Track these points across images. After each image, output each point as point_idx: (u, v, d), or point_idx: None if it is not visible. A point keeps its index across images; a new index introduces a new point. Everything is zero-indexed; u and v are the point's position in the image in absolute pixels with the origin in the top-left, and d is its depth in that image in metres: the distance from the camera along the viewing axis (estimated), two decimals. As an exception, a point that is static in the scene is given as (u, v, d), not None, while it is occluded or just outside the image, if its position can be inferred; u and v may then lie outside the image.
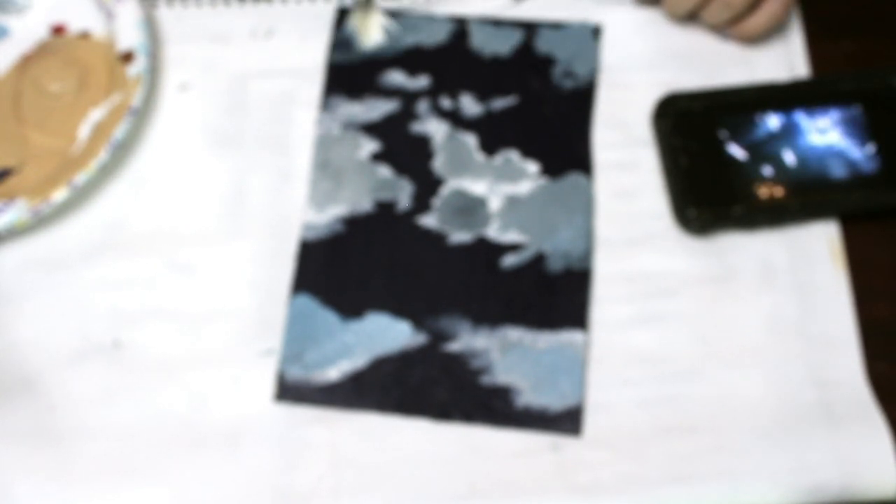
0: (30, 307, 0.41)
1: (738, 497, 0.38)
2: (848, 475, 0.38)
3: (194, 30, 0.47)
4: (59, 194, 0.41)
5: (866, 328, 0.41)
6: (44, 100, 0.45)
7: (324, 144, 0.44)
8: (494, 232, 0.42)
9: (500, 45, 0.46)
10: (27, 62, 0.46)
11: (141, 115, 0.45)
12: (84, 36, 0.46)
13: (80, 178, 0.42)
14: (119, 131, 0.42)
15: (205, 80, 0.46)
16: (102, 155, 0.42)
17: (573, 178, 0.43)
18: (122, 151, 0.44)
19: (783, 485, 0.38)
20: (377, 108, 0.45)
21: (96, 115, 0.44)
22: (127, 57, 0.45)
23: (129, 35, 0.45)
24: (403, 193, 0.43)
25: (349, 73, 0.45)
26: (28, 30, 0.46)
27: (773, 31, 0.46)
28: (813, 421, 0.39)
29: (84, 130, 0.44)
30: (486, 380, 0.40)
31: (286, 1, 0.47)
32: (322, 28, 0.47)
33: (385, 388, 0.40)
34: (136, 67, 0.44)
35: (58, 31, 0.46)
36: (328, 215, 0.43)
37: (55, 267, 0.42)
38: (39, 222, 0.43)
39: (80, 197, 0.43)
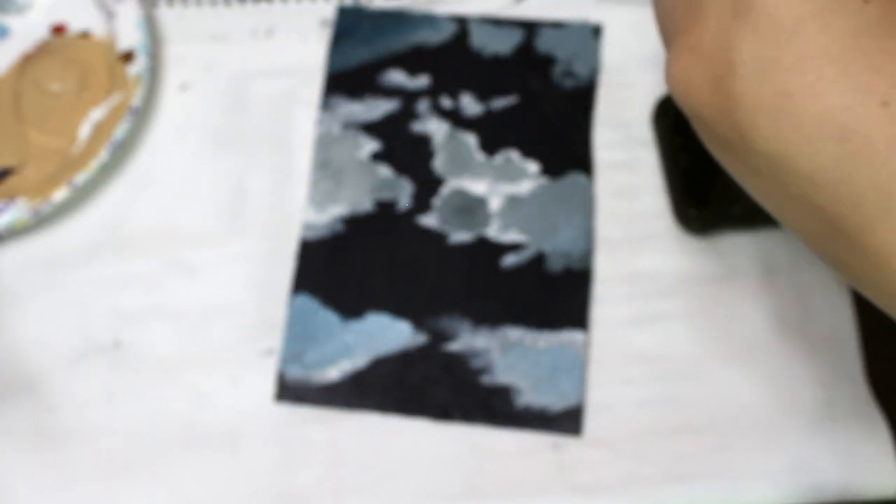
0: (30, 307, 0.42)
1: (738, 497, 0.38)
2: (848, 475, 0.38)
3: (194, 30, 0.47)
4: (60, 194, 0.41)
5: (866, 328, 0.41)
6: (44, 99, 0.45)
7: (324, 144, 0.44)
8: (494, 232, 0.42)
9: (501, 44, 0.46)
10: (27, 62, 0.46)
11: (141, 115, 0.45)
12: (84, 36, 0.46)
13: (81, 177, 0.42)
14: (119, 131, 0.43)
15: (205, 80, 0.46)
16: (103, 154, 0.42)
17: (573, 178, 0.43)
18: (123, 151, 0.44)
19: (783, 485, 0.38)
20: (377, 108, 0.45)
21: (96, 114, 0.44)
22: (127, 57, 0.45)
23: (129, 35, 0.45)
24: (403, 193, 0.43)
25: (349, 73, 0.45)
26: (28, 29, 0.46)
27: None
28: (813, 421, 0.39)
29: (84, 130, 0.44)
30: (486, 380, 0.40)
31: (286, 1, 0.47)
32: (322, 28, 0.47)
33: (385, 388, 0.40)
34: (137, 67, 0.44)
35: (58, 30, 0.46)
36: (328, 215, 0.43)
37: (55, 267, 0.42)
38: (40, 222, 0.43)
39: (81, 197, 0.43)
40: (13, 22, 0.47)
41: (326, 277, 0.42)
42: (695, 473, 0.38)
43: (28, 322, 0.41)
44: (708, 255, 0.42)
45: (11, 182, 0.43)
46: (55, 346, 0.41)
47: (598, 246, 0.42)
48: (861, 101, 0.22)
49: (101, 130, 0.43)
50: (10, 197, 0.42)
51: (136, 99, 0.43)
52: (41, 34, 0.46)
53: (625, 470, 0.38)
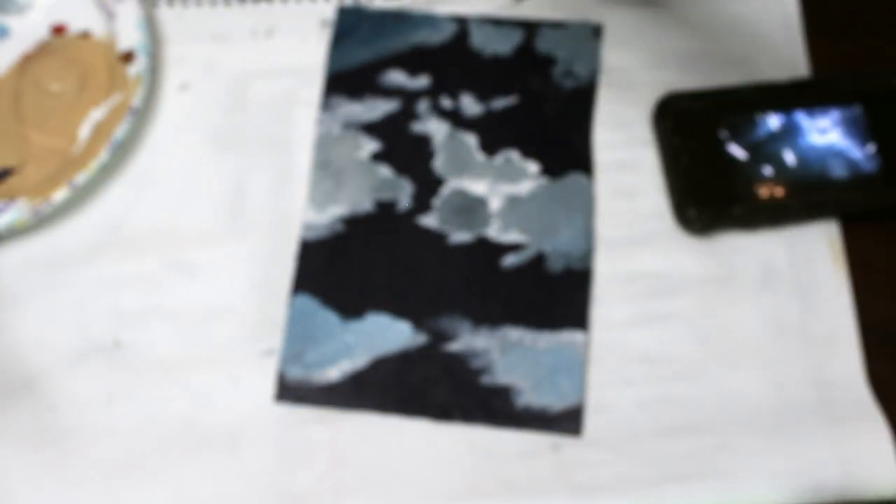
0: (30, 307, 0.42)
1: (738, 497, 0.38)
2: (848, 475, 0.38)
3: (194, 30, 0.47)
4: (60, 194, 0.41)
5: (866, 328, 0.41)
6: (44, 99, 0.45)
7: (324, 144, 0.44)
8: (495, 232, 0.42)
9: (501, 44, 0.46)
10: (27, 62, 0.46)
11: (141, 115, 0.45)
12: (84, 36, 0.46)
13: (81, 177, 0.42)
14: (119, 131, 0.43)
15: (205, 80, 0.46)
16: (103, 155, 0.42)
17: (573, 178, 0.43)
18: (123, 151, 0.44)
19: (783, 485, 0.38)
20: (377, 108, 0.45)
21: (97, 114, 0.44)
22: (127, 57, 0.45)
23: (129, 35, 0.45)
24: (403, 193, 0.43)
25: (349, 73, 0.45)
26: (28, 30, 0.46)
27: None
28: (813, 421, 0.39)
29: (84, 130, 0.44)
30: (486, 380, 0.40)
31: (286, 1, 0.47)
32: (322, 28, 0.47)
33: (385, 388, 0.40)
34: (137, 67, 0.44)
35: (58, 30, 0.46)
36: (328, 215, 0.43)
37: (55, 267, 0.42)
38: (40, 222, 0.43)
39: (81, 197, 0.43)
40: (13, 22, 0.47)
41: (326, 277, 0.42)
42: (695, 473, 0.38)
43: (28, 322, 0.41)
44: (708, 255, 0.42)
45: (11, 182, 0.43)
46: (55, 346, 0.41)
47: (598, 246, 0.42)
48: None
49: (101, 130, 0.43)
50: (10, 197, 0.42)
51: (136, 99, 0.43)
52: (41, 34, 0.46)
53: (625, 470, 0.38)
